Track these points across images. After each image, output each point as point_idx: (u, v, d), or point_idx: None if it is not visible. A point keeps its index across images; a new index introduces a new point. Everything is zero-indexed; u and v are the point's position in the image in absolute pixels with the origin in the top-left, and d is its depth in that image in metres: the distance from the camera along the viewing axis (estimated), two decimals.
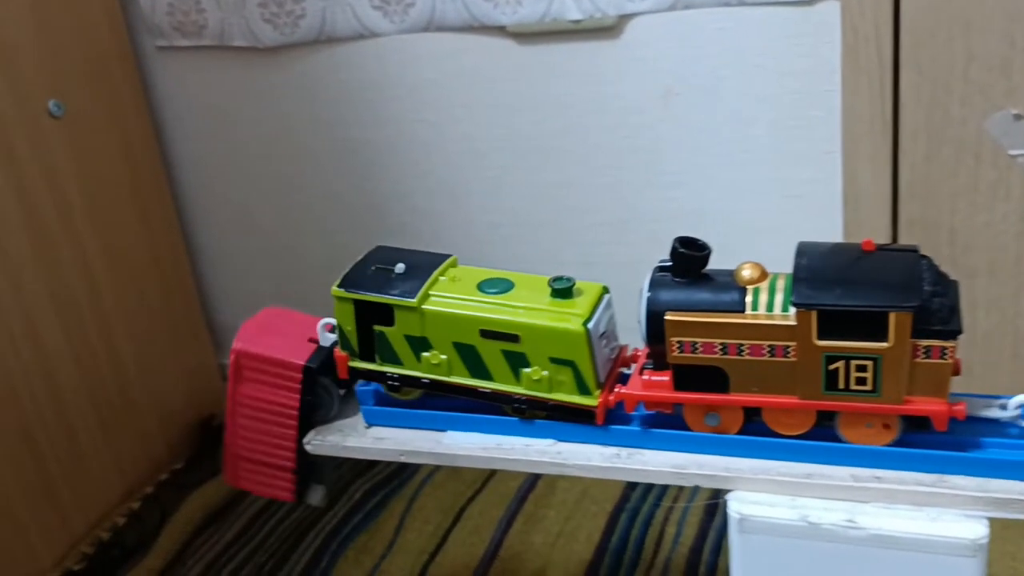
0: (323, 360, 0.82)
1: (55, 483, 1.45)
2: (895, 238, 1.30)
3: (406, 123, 1.55)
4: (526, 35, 1.42)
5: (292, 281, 1.74)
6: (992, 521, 0.65)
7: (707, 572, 1.27)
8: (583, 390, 0.74)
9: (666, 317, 0.69)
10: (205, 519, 1.52)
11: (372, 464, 1.55)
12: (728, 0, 1.31)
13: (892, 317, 0.63)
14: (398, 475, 1.54)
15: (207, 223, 1.78)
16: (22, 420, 1.39)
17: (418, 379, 0.79)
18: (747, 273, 0.69)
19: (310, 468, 0.85)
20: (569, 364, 0.73)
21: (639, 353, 0.76)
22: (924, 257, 0.66)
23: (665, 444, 0.73)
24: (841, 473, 0.68)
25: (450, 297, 0.76)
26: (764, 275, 0.69)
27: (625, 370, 0.78)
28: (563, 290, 0.75)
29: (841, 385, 0.66)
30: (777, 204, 1.39)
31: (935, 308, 0.64)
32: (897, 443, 0.69)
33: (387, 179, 1.61)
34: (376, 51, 1.51)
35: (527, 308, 0.74)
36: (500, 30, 1.43)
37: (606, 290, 0.77)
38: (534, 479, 1.49)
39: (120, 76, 1.59)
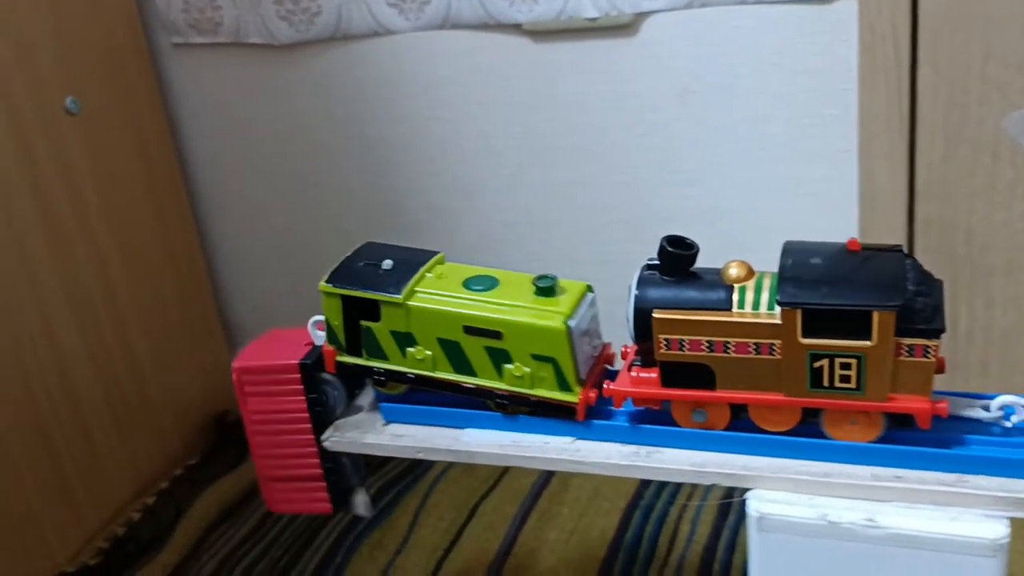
0: (319, 357, 0.82)
1: (70, 479, 1.45)
2: (911, 237, 1.29)
3: (421, 121, 1.56)
4: (542, 33, 1.42)
5: (307, 278, 1.72)
6: (1013, 521, 0.65)
7: (721, 570, 1.26)
8: (564, 386, 0.75)
9: (653, 315, 0.70)
10: (220, 514, 1.53)
11: (386, 460, 1.55)
12: None
13: (876, 316, 0.64)
14: (412, 471, 1.55)
15: (222, 220, 1.78)
16: (38, 416, 1.40)
17: (403, 374, 0.79)
18: (734, 272, 0.70)
19: (341, 474, 0.84)
20: (550, 361, 0.74)
21: (628, 350, 0.76)
22: (909, 257, 0.67)
23: (684, 442, 0.73)
24: (861, 472, 0.68)
25: (435, 294, 0.77)
26: (751, 274, 0.70)
27: (609, 367, 0.79)
28: (546, 288, 0.75)
29: (826, 383, 0.67)
30: (792, 202, 1.39)
31: (918, 307, 0.64)
32: (918, 443, 0.69)
33: (402, 177, 1.61)
34: (391, 48, 1.51)
35: (510, 306, 0.75)
36: (516, 28, 1.43)
37: (590, 289, 0.78)
38: (548, 476, 1.49)
39: (136, 73, 1.60)
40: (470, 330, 0.75)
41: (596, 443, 0.76)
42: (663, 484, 1.43)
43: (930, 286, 0.66)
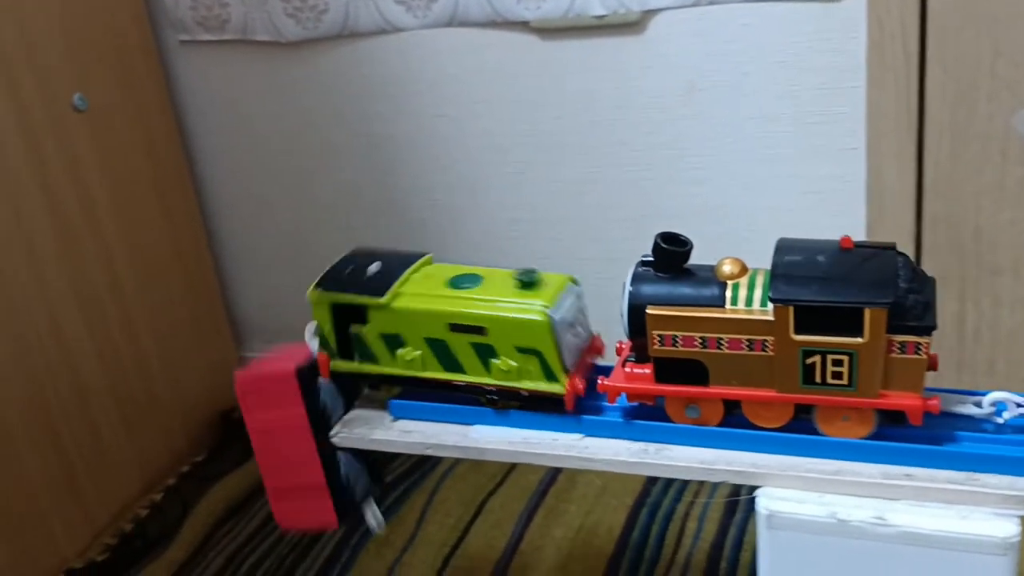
0: (316, 364, 0.82)
1: (78, 475, 1.46)
2: (919, 235, 1.29)
3: (427, 118, 1.56)
4: (549, 30, 1.42)
5: (313, 275, 1.72)
6: (1023, 520, 0.65)
7: (728, 567, 1.26)
8: (550, 377, 0.75)
9: (647, 311, 0.70)
10: (227, 511, 1.53)
11: (393, 457, 1.55)
12: None
13: (867, 313, 0.64)
14: (419, 468, 1.55)
15: (229, 217, 1.78)
16: (46, 413, 1.40)
17: (394, 377, 0.80)
18: (728, 268, 0.70)
19: (345, 484, 0.84)
20: (535, 353, 0.74)
21: (623, 346, 0.76)
22: (901, 254, 0.68)
23: (693, 440, 0.73)
24: (871, 470, 0.68)
25: (419, 294, 0.78)
26: (744, 270, 0.70)
27: (598, 358, 0.80)
28: (528, 282, 0.76)
29: (818, 379, 0.67)
30: (800, 200, 1.39)
31: (910, 305, 0.65)
32: (928, 441, 0.69)
33: (408, 174, 1.61)
34: (398, 46, 1.52)
35: (493, 301, 0.76)
36: (523, 25, 1.43)
37: (574, 281, 0.79)
38: (555, 473, 1.49)
39: (143, 70, 1.60)
40: (455, 327, 0.76)
41: (604, 440, 0.76)
42: (670, 481, 1.43)
43: (922, 284, 0.66)
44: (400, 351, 0.79)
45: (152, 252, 1.61)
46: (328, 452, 0.82)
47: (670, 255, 0.71)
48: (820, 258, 0.67)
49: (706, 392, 0.71)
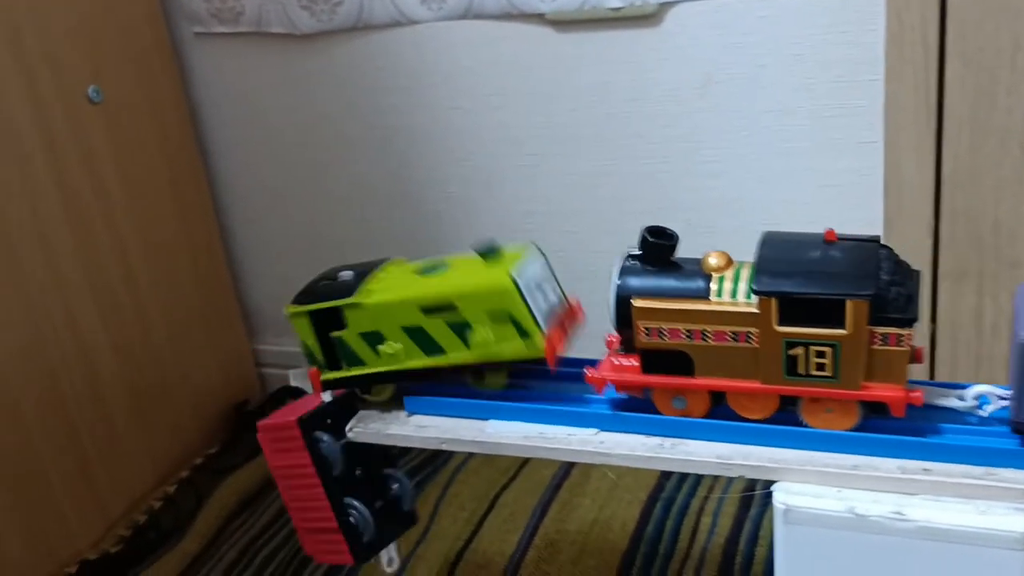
0: (320, 412, 0.83)
1: (92, 467, 1.46)
2: (937, 229, 1.28)
3: (442, 111, 1.55)
4: (565, 23, 1.41)
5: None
6: None
7: (743, 562, 1.26)
8: (526, 337, 0.76)
9: (633, 303, 0.71)
10: (240, 504, 1.53)
11: (405, 452, 1.55)
12: None
13: (849, 305, 0.65)
14: (432, 462, 1.55)
15: (243, 210, 1.78)
16: (61, 405, 1.41)
17: (382, 374, 0.81)
18: (713, 261, 0.71)
19: (356, 528, 0.85)
20: (506, 316, 0.75)
21: (612, 338, 0.77)
22: (884, 247, 0.68)
23: (710, 434, 0.73)
24: (889, 465, 0.68)
25: (389, 287, 0.79)
26: (730, 263, 0.71)
27: (578, 325, 0.80)
28: (487, 252, 0.77)
29: (801, 371, 0.68)
30: (816, 194, 1.38)
31: (892, 297, 0.65)
32: (946, 435, 0.68)
33: (422, 167, 1.61)
34: (413, 38, 1.51)
35: (458, 277, 0.78)
36: (539, 17, 1.42)
37: (537, 247, 0.80)
38: (568, 467, 1.49)
39: (158, 62, 1.60)
40: (427, 310, 0.77)
41: (620, 435, 0.75)
42: (684, 476, 1.43)
43: (905, 276, 0.67)
44: (381, 347, 0.80)
45: (166, 244, 1.61)
46: (337, 499, 0.84)
47: (657, 248, 0.72)
48: (804, 251, 0.68)
49: (692, 383, 0.72)
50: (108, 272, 1.49)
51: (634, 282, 0.72)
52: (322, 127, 1.65)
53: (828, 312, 0.65)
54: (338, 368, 0.82)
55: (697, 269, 0.71)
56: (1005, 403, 0.70)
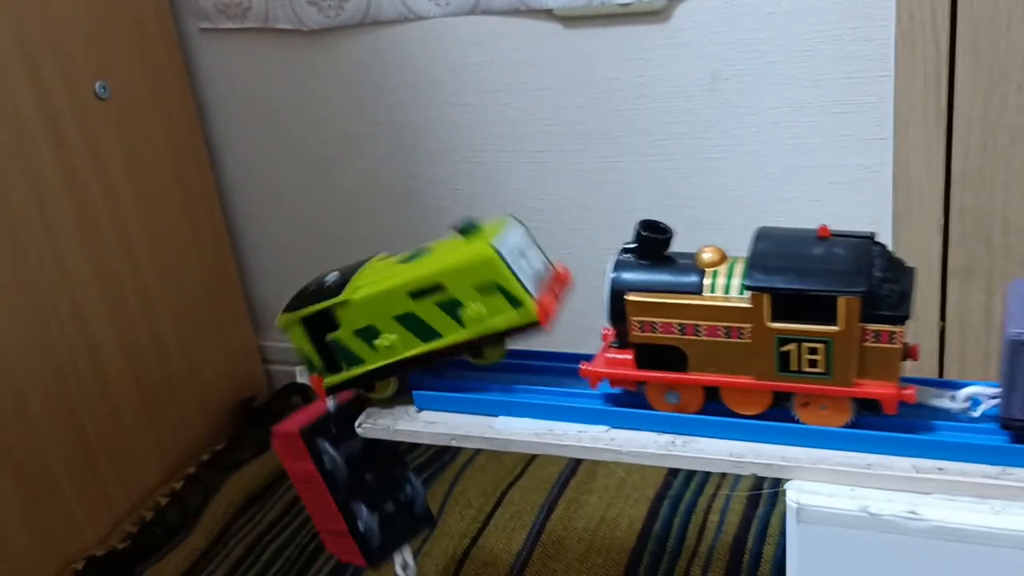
0: (323, 421, 0.83)
1: (99, 463, 1.46)
2: (947, 226, 1.28)
3: (449, 107, 1.55)
4: (573, 18, 1.41)
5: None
6: None
7: (752, 560, 1.26)
8: (517, 305, 0.76)
9: (626, 297, 0.71)
10: (247, 499, 1.53)
11: (412, 448, 1.55)
12: None
13: (841, 301, 0.65)
14: (439, 459, 1.55)
15: (249, 205, 1.78)
16: (68, 400, 1.41)
17: (383, 369, 0.80)
18: (707, 256, 0.71)
19: (366, 537, 0.85)
20: (494, 286, 0.75)
21: (608, 332, 0.77)
22: (878, 244, 0.68)
23: (722, 432, 0.72)
24: (903, 464, 0.67)
25: (375, 280, 0.79)
26: (724, 258, 0.71)
27: (567, 290, 0.81)
28: (466, 229, 0.77)
29: (794, 367, 0.68)
30: (825, 190, 1.38)
31: (884, 294, 0.65)
32: (961, 434, 0.68)
33: (429, 163, 1.61)
34: (420, 34, 1.51)
35: (441, 257, 0.77)
36: (547, 13, 1.42)
37: (516, 218, 0.81)
38: (575, 464, 1.48)
39: (165, 58, 1.60)
40: (415, 295, 0.77)
41: (631, 432, 0.75)
42: (691, 474, 1.42)
43: (898, 273, 0.67)
44: (377, 341, 0.79)
45: (172, 240, 1.61)
46: (345, 506, 0.84)
47: (651, 242, 0.73)
48: (797, 247, 0.68)
49: (685, 378, 0.72)
50: (115, 268, 1.49)
51: (628, 276, 0.73)
52: (329, 123, 1.65)
53: (820, 308, 0.65)
54: (338, 371, 0.81)
55: (691, 264, 0.72)
56: (995, 402, 0.69)
